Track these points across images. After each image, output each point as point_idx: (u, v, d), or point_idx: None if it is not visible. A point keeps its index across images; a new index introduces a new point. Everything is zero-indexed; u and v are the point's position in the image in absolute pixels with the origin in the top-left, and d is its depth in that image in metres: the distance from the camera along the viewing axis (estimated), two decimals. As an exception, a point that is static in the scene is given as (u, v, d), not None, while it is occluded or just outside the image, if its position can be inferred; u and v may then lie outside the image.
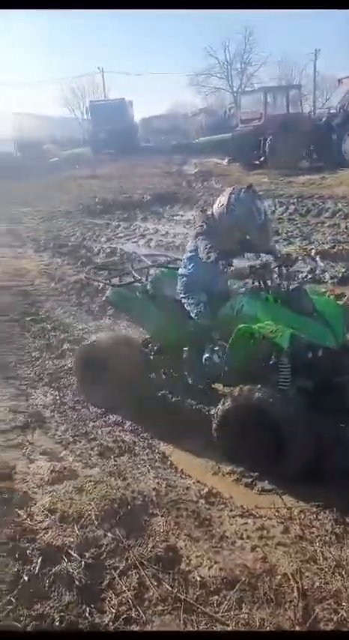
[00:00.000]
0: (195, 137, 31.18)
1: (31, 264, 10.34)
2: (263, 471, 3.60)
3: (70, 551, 2.64)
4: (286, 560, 2.74)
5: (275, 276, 4.10)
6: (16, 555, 2.60)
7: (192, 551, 2.75)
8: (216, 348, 4.14)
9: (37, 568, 2.52)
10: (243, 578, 2.55)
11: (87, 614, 2.32)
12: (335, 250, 9.04)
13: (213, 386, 4.40)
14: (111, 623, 2.29)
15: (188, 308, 4.32)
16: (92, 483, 3.23)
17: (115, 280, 5.15)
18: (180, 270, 4.44)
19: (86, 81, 51.68)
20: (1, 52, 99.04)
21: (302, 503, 3.31)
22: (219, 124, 28.97)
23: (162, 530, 2.89)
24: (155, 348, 4.71)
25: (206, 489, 3.44)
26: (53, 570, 2.51)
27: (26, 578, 2.46)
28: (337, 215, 11.94)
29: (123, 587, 2.48)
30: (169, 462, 3.91)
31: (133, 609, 2.36)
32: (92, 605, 2.37)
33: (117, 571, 2.57)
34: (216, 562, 2.67)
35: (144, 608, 2.38)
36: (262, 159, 20.36)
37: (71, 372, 5.26)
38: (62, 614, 2.30)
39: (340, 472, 3.46)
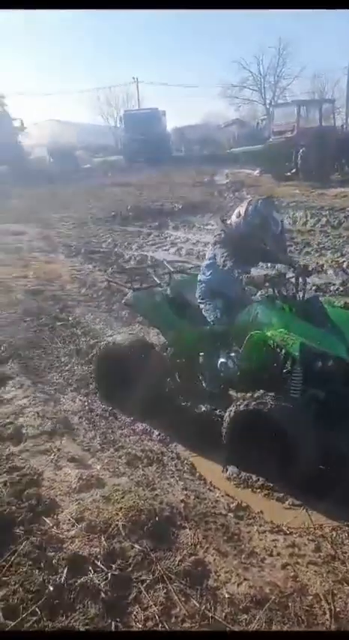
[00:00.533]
0: (227, 147, 31.24)
1: (63, 270, 10.35)
2: (268, 476, 3.63)
3: (96, 561, 2.59)
4: (318, 580, 2.65)
5: (292, 286, 4.10)
6: (42, 564, 2.56)
7: (220, 566, 2.68)
8: (232, 354, 4.19)
9: (62, 578, 2.47)
10: (273, 597, 2.47)
11: (112, 629, 2.26)
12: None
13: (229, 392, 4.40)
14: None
15: (205, 314, 4.43)
16: (120, 492, 3.18)
17: (135, 285, 5.21)
18: (199, 277, 4.57)
19: (120, 91, 52.87)
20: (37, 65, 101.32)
21: (333, 522, 3.21)
22: (252, 135, 29.03)
23: (190, 543, 2.82)
24: (171, 351, 4.76)
25: (235, 503, 3.37)
26: (79, 581, 2.46)
27: (51, 589, 2.41)
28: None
29: (150, 601, 2.41)
30: (198, 474, 3.84)
31: (160, 625, 2.30)
32: (118, 619, 2.31)
33: (144, 585, 2.50)
34: (245, 579, 2.59)
35: (172, 624, 2.31)
36: (293, 171, 20.38)
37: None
38: (87, 627, 2.24)
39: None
